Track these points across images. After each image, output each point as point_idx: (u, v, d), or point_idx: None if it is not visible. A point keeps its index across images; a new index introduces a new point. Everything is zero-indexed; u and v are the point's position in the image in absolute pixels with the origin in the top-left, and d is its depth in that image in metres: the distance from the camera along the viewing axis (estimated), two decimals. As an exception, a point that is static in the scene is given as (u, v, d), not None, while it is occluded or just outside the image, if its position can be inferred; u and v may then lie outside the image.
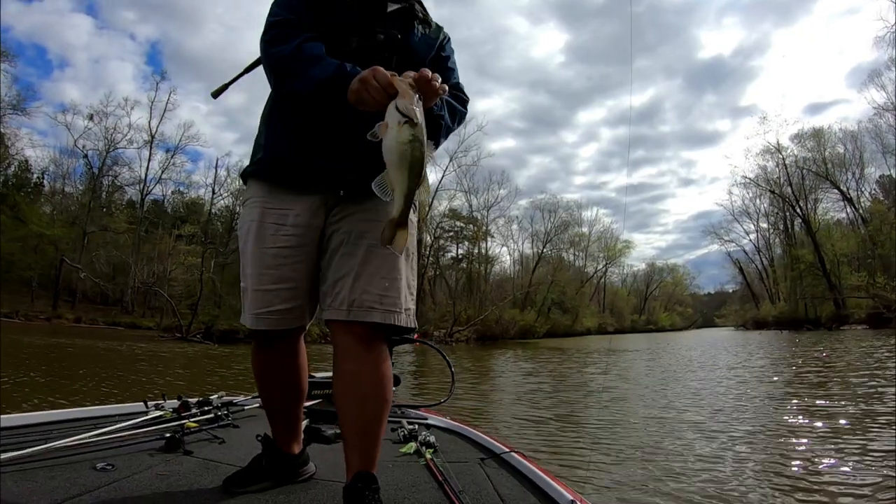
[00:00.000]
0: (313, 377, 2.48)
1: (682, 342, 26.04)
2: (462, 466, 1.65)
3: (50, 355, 11.47)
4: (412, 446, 1.84)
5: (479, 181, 41.61)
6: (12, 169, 31.77)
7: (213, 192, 37.00)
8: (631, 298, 69.09)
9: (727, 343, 22.07)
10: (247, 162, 1.35)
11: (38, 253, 29.12)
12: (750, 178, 42.85)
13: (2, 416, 1.79)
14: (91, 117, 32.19)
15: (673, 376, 9.55)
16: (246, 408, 2.32)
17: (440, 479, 1.47)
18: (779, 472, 3.28)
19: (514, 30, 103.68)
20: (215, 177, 36.70)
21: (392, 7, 1.26)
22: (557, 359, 14.98)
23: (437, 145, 1.21)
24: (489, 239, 42.57)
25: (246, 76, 1.45)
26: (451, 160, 36.61)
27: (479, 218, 41.06)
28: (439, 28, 1.37)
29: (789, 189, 39.79)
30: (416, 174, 1.01)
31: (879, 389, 6.39)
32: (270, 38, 1.18)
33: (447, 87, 1.11)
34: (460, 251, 42.55)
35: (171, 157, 34.96)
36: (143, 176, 34.63)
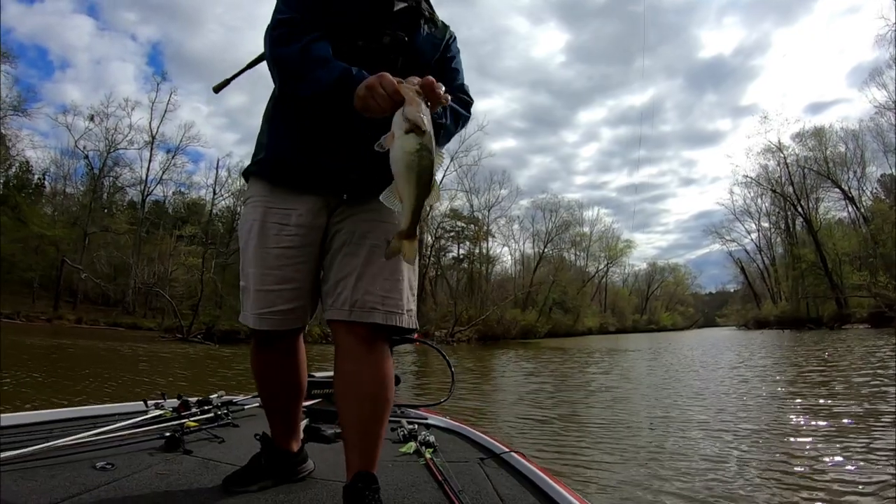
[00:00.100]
0: (313, 377, 2.48)
1: (683, 342, 25.99)
2: (462, 466, 1.65)
3: (51, 356, 11.49)
4: (412, 446, 1.83)
5: (480, 181, 41.64)
6: (13, 170, 31.86)
7: (214, 193, 37.06)
8: (632, 298, 69.01)
9: (729, 343, 22.02)
10: (248, 163, 1.34)
11: (39, 254, 29.18)
12: (751, 178, 42.87)
13: (2, 415, 1.79)
14: (92, 118, 32.25)
15: (675, 376, 9.53)
16: (246, 407, 2.31)
17: (440, 478, 1.47)
18: (784, 470, 3.27)
19: (515, 30, 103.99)
20: (216, 177, 36.74)
21: (399, 6, 1.24)
22: (559, 359, 14.96)
23: None
24: (490, 239, 42.58)
25: (247, 76, 1.45)
26: (451, 160, 36.60)
27: (480, 218, 41.07)
28: (445, 27, 1.35)
29: (791, 188, 39.77)
30: (424, 184, 1.00)
31: (883, 388, 6.37)
32: (277, 35, 1.16)
33: (450, 97, 1.09)
34: (461, 251, 42.60)
35: (172, 157, 35.00)
36: (143, 177, 34.69)
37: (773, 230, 45.95)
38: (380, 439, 1.21)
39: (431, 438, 1.89)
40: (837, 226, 38.32)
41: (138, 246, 32.30)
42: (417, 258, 1.25)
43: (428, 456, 1.69)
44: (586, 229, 54.04)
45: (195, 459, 1.56)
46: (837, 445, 3.78)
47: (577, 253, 54.20)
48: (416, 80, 1.04)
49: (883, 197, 36.00)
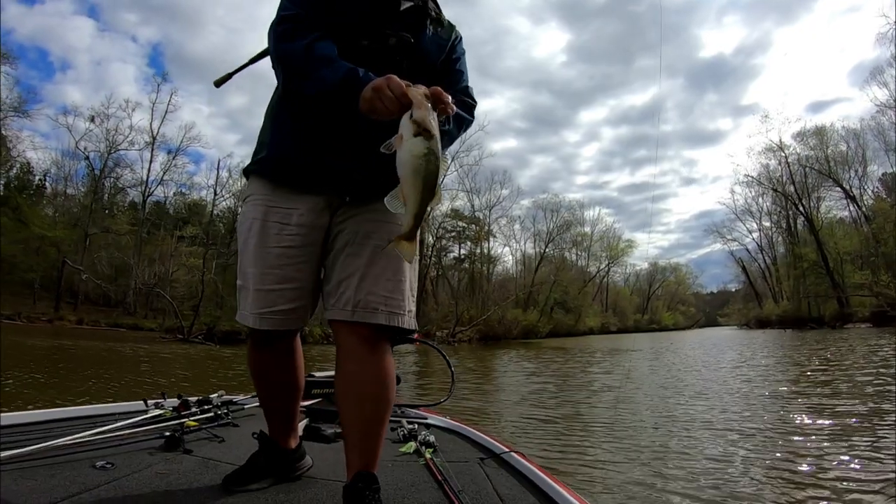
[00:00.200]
0: (313, 377, 2.48)
1: (685, 341, 25.95)
2: (462, 466, 1.64)
3: (53, 357, 11.50)
4: (412, 446, 1.83)
5: (481, 181, 41.85)
6: (14, 171, 31.97)
7: (215, 194, 37.19)
8: (634, 298, 68.99)
9: (731, 342, 21.98)
10: (248, 162, 1.33)
11: (40, 255, 29.23)
12: (752, 177, 42.90)
13: (2, 415, 1.79)
14: (93, 119, 32.35)
15: (677, 376, 9.51)
16: (246, 407, 2.31)
17: (440, 478, 1.46)
18: (789, 469, 3.26)
19: (516, 30, 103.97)
20: (217, 178, 36.87)
21: (405, 5, 1.22)
22: (561, 358, 14.94)
23: None
24: (491, 239, 42.60)
25: (248, 76, 1.44)
26: (452, 160, 36.61)
27: (481, 218, 41.08)
28: (451, 27, 1.33)
29: (792, 187, 39.74)
30: (429, 188, 1.00)
31: (886, 387, 6.36)
32: (281, 32, 1.14)
33: (455, 109, 1.08)
34: (463, 251, 42.61)
35: (173, 158, 35.13)
36: (144, 177, 34.79)
37: (774, 229, 46.02)
38: (380, 439, 1.20)
39: (431, 438, 1.88)
40: (839, 225, 38.29)
41: (139, 247, 32.36)
42: (417, 258, 1.25)
43: (428, 456, 1.69)
44: (587, 229, 54.20)
45: (195, 459, 1.55)
46: (842, 444, 3.77)
47: (579, 253, 54.36)
48: (423, 88, 1.03)
49: (884, 196, 35.96)
